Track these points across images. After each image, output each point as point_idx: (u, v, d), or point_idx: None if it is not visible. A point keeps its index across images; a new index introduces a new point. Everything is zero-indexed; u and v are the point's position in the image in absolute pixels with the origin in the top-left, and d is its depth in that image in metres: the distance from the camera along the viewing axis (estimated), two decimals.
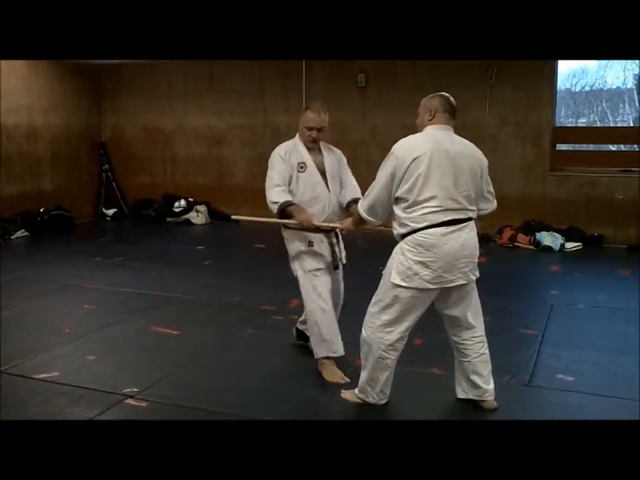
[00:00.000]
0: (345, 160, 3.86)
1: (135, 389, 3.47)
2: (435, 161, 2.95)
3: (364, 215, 3.18)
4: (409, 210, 3.00)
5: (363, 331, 3.21)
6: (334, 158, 3.78)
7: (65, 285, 5.74)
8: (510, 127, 7.88)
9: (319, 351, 3.66)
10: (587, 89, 14.80)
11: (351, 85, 8.49)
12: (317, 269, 3.69)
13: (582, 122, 13.94)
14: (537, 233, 7.49)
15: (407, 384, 3.43)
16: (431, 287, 3.01)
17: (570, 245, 7.42)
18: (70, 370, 3.76)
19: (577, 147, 8.53)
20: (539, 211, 7.78)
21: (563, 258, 7.14)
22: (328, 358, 3.66)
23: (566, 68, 12.34)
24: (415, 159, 2.94)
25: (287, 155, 3.66)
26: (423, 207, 2.96)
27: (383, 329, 3.11)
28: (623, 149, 9.04)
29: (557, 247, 7.34)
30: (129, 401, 3.35)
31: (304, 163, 3.67)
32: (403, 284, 3.01)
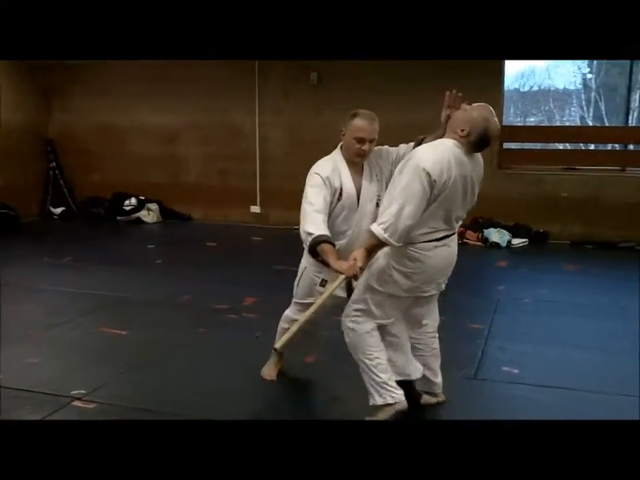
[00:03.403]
0: (391, 154, 3.25)
1: (82, 391, 3.42)
2: (452, 189, 2.79)
3: (392, 241, 2.77)
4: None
5: (345, 336, 3.14)
6: (374, 175, 3.20)
7: (10, 285, 5.60)
8: None
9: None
10: (535, 88, 15.14)
11: (303, 83, 8.50)
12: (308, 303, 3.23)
13: (530, 121, 14.25)
14: (484, 230, 7.65)
15: (359, 377, 3.47)
16: (404, 295, 2.99)
17: (516, 241, 7.60)
18: (15, 373, 3.68)
19: (525, 145, 8.72)
20: (487, 208, 7.91)
21: (510, 254, 7.31)
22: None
23: (514, 68, 12.60)
24: (444, 182, 2.75)
25: (329, 179, 3.10)
26: (420, 226, 2.84)
27: (357, 319, 3.06)
28: (569, 147, 9.27)
29: (504, 243, 7.51)
30: (76, 403, 3.31)
31: (343, 190, 3.13)
32: (377, 287, 2.97)
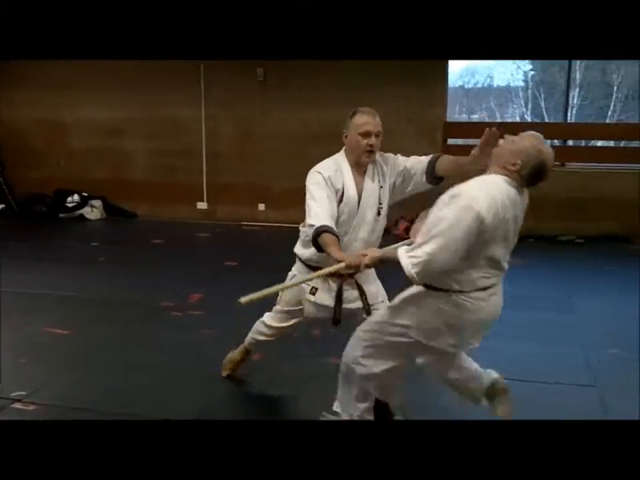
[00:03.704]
0: (399, 165, 3.07)
1: (22, 392, 3.34)
2: (504, 233, 2.51)
3: (417, 280, 2.48)
4: (455, 269, 2.51)
5: (351, 363, 2.87)
6: (377, 180, 3.04)
7: None
8: (407, 122, 8.09)
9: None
10: (480, 85, 15.44)
11: (250, 79, 8.45)
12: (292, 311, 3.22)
13: (475, 118, 14.53)
14: None
15: (306, 375, 3.49)
16: (451, 351, 2.69)
17: None
18: None
19: (469, 142, 8.87)
20: (431, 203, 8.06)
21: None
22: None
23: (459, 66, 12.82)
24: (496, 227, 2.44)
25: (330, 179, 2.94)
26: (471, 271, 2.53)
27: (367, 360, 2.80)
28: None
29: None
30: (16, 405, 3.23)
31: (345, 192, 2.96)
32: (424, 341, 2.65)
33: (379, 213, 3.02)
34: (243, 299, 2.70)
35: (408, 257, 2.46)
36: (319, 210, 2.85)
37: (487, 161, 2.72)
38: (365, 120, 2.92)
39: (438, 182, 3.01)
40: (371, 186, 3.00)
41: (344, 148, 3.03)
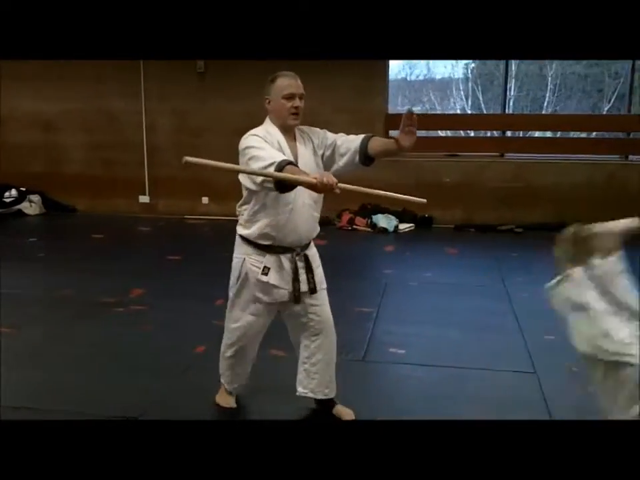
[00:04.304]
0: (328, 138, 2.99)
1: None
2: None
3: None
4: None
5: None
6: (309, 148, 2.96)
7: None
8: (346, 114, 8.15)
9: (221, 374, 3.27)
10: (421, 78, 15.64)
11: (190, 70, 8.36)
12: (260, 303, 2.98)
13: (417, 109, 14.72)
14: (373, 216, 7.88)
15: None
16: None
17: (403, 226, 7.88)
18: None
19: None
20: (375, 195, 8.16)
21: (397, 239, 7.56)
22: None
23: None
24: None
25: (267, 140, 2.79)
26: None
27: None
28: (449, 134, 9.66)
29: (391, 228, 7.76)
30: None
31: (284, 153, 2.81)
32: None
33: None
34: (188, 158, 2.49)
35: None
36: (270, 152, 2.68)
37: (407, 144, 2.82)
38: (288, 82, 2.87)
39: (370, 163, 2.98)
40: (304, 151, 2.92)
41: (267, 117, 2.95)
